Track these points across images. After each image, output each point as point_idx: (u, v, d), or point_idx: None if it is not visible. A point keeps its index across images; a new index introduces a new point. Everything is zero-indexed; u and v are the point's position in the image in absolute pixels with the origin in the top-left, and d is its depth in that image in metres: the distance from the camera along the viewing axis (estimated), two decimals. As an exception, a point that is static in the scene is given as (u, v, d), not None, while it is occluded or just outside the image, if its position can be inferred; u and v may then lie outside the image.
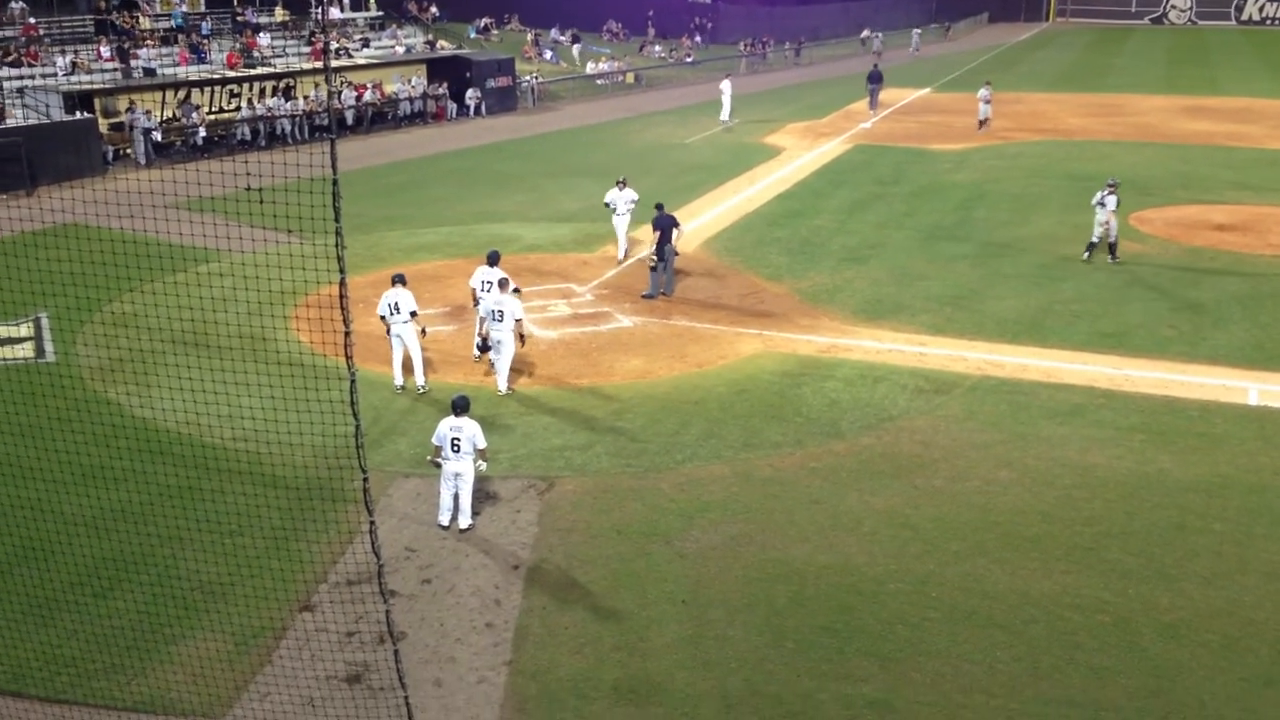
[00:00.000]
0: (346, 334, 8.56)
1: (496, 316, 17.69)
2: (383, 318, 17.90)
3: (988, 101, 44.37)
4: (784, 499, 14.66)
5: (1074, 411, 17.28)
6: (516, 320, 17.74)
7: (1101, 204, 25.02)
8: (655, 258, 22.62)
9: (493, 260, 18.96)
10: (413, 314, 17.77)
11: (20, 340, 20.09)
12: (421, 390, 17.99)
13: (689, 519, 14.18)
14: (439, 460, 13.88)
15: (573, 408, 17.66)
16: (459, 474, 13.84)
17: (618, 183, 25.47)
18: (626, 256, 25.49)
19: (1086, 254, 25.46)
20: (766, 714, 10.73)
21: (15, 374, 18.21)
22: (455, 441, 13.70)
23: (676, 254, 22.89)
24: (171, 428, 16.16)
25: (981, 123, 44.30)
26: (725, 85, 47.81)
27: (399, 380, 18.22)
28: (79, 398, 16.79)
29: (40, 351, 19.66)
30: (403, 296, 17.71)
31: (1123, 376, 18.68)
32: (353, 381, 8.73)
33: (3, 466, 13.54)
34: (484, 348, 18.16)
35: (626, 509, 14.43)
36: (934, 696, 10.94)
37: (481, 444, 13.91)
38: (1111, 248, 25.22)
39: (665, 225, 22.43)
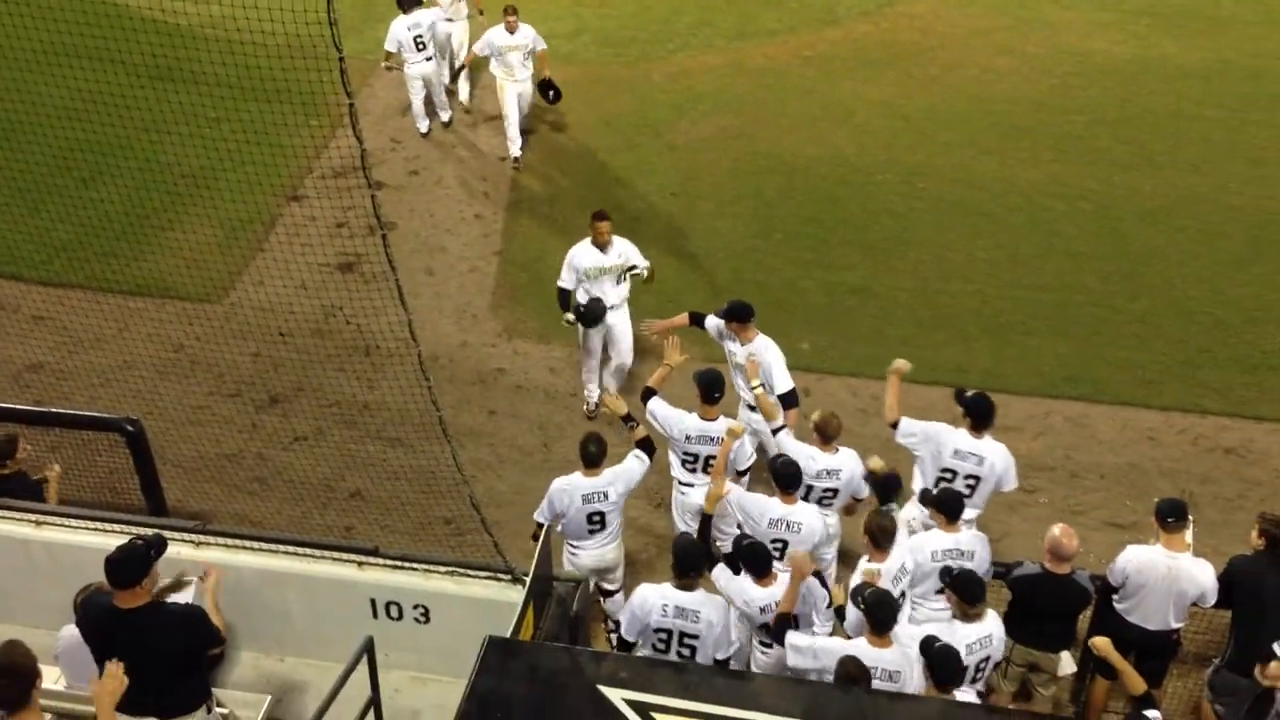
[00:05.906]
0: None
1: None
2: None
3: None
4: (776, 89, 14.33)
5: (1081, -6, 16.57)
6: None
7: None
8: None
9: None
10: None
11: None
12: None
13: (679, 110, 13.92)
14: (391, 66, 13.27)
15: (557, -8, 16.84)
16: (424, 76, 13.33)
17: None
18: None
19: None
20: (751, 300, 11.02)
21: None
22: (418, 40, 13.06)
23: None
24: (134, 6, 15.37)
25: None
26: None
27: None
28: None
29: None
30: None
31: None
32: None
33: (-37, 49, 13.02)
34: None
35: (615, 101, 14.12)
36: (914, 283, 11.25)
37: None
38: None
39: None
